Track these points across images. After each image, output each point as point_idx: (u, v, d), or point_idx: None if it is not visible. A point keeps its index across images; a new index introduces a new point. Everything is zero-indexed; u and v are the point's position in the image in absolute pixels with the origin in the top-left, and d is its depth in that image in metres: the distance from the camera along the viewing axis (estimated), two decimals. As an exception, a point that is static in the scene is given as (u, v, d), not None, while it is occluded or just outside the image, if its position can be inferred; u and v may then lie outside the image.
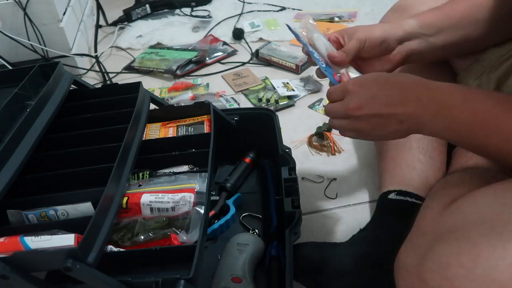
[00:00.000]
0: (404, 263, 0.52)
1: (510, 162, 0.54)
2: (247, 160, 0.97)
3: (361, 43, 0.70)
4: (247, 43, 1.57)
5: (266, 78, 1.37)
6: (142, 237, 0.61)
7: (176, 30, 1.69)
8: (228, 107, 1.23)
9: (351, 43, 0.70)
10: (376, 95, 0.59)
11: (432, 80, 0.59)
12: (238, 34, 1.59)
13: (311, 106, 1.24)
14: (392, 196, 0.81)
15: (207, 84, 1.38)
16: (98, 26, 1.68)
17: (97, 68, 1.49)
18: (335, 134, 1.12)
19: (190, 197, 0.64)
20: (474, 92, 0.57)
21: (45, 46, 1.37)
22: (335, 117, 0.64)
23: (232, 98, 1.28)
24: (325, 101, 1.24)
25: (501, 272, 0.43)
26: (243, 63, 1.46)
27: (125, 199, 0.64)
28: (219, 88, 1.35)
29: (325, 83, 1.31)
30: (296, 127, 1.16)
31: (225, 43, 1.56)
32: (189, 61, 1.45)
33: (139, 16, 1.77)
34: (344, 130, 0.64)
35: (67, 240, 0.50)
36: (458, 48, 0.77)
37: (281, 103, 1.24)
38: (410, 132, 0.59)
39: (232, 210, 0.87)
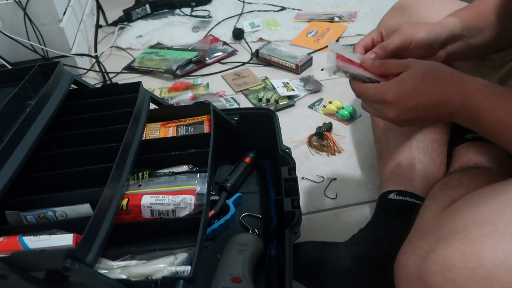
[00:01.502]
0: (405, 265, 0.52)
1: None
2: (247, 160, 0.97)
3: (405, 42, 0.68)
4: (247, 43, 1.57)
5: (266, 78, 1.37)
6: None
7: (176, 30, 1.69)
8: (228, 107, 1.23)
9: (395, 37, 0.68)
10: (415, 107, 0.60)
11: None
12: (238, 34, 1.59)
13: (311, 106, 1.24)
14: (392, 196, 0.81)
15: (207, 84, 1.38)
16: (98, 26, 1.68)
17: (97, 68, 1.49)
18: (335, 134, 1.12)
19: (191, 199, 0.65)
20: (505, 99, 0.57)
21: (45, 46, 1.37)
22: (371, 113, 0.66)
23: (232, 98, 1.28)
24: (325, 101, 1.24)
25: (505, 273, 0.43)
26: (243, 63, 1.46)
27: (125, 200, 0.64)
28: (219, 88, 1.35)
29: (325, 83, 1.31)
30: (296, 127, 1.16)
31: (225, 43, 1.56)
32: (189, 61, 1.45)
33: (139, 16, 1.77)
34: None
35: (65, 240, 0.50)
36: (490, 48, 0.76)
37: (281, 103, 1.24)
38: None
39: (232, 210, 0.87)
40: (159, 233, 0.63)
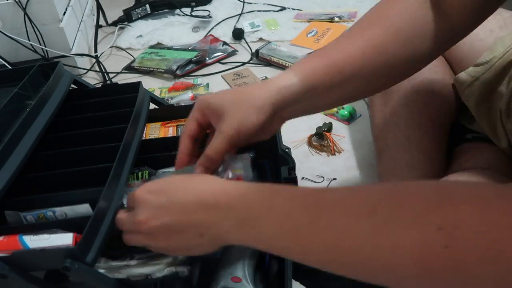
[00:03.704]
0: None
1: (337, 270, 0.42)
2: (247, 160, 0.97)
3: (232, 140, 0.56)
4: (247, 43, 1.57)
5: (266, 78, 1.37)
6: None
7: (176, 30, 1.69)
8: (228, 107, 1.23)
9: (218, 141, 0.56)
10: (167, 203, 0.49)
11: None
12: (238, 34, 1.59)
13: (311, 106, 1.24)
14: (391, 196, 0.80)
15: (207, 84, 1.38)
16: (98, 26, 1.68)
17: (97, 68, 1.49)
18: (335, 134, 1.12)
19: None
20: (281, 196, 0.46)
21: (45, 46, 1.37)
22: (126, 230, 0.54)
23: (232, 98, 1.28)
24: (325, 101, 1.24)
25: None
26: (243, 63, 1.46)
27: (125, 199, 0.64)
28: (219, 88, 1.35)
29: (325, 83, 1.31)
30: (296, 127, 1.16)
31: (225, 43, 1.56)
32: (189, 61, 1.45)
33: (139, 16, 1.77)
34: (144, 245, 0.53)
35: (65, 239, 0.50)
36: (354, 98, 0.67)
37: (281, 103, 1.24)
38: (218, 243, 0.50)
39: (232, 210, 0.87)
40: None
